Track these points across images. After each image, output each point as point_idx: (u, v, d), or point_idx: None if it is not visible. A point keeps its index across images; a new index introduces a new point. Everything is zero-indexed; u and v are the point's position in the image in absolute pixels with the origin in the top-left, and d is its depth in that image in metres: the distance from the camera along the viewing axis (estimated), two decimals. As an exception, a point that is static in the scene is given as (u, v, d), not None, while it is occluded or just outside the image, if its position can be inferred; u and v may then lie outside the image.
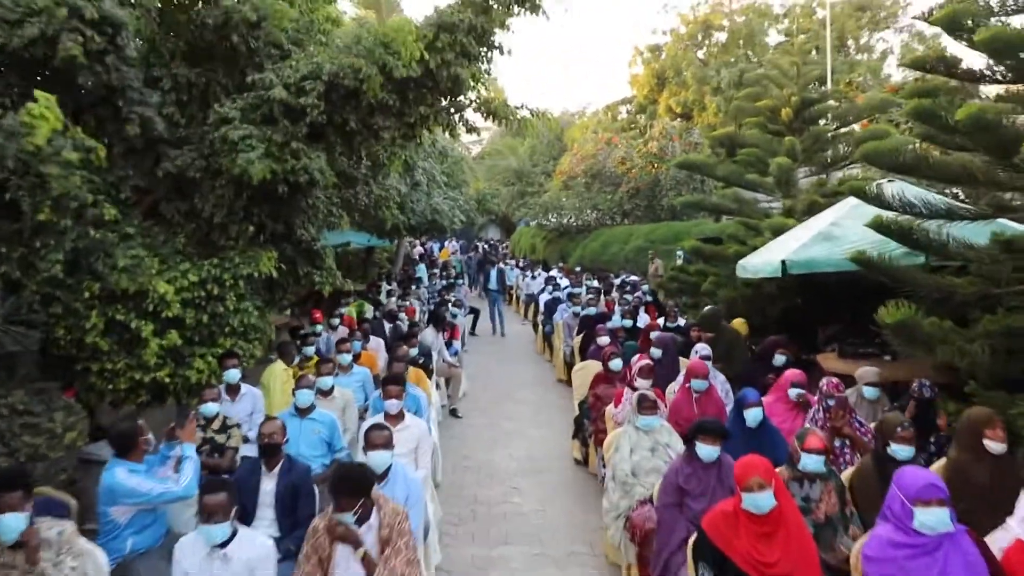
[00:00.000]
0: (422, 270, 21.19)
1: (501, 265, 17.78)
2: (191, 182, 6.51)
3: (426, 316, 12.19)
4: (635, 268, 18.63)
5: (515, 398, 10.65)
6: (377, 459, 4.25)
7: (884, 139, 9.52)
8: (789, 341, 7.60)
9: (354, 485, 3.42)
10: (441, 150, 15.89)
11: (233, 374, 6.20)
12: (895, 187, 6.93)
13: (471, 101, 6.46)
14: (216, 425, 5.54)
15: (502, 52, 6.43)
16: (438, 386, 9.62)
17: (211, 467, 5.38)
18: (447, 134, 7.00)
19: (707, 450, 4.29)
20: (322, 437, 5.56)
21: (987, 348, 5.41)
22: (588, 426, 7.23)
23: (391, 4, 18.50)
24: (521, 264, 23.58)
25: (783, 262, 7.63)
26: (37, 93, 4.92)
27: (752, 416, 5.04)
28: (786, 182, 10.86)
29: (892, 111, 13.29)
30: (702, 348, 6.97)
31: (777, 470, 4.54)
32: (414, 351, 8.25)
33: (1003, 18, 5.76)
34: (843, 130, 11.49)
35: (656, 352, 7.53)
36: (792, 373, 6.02)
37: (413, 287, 16.25)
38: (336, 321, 10.71)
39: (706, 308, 9.73)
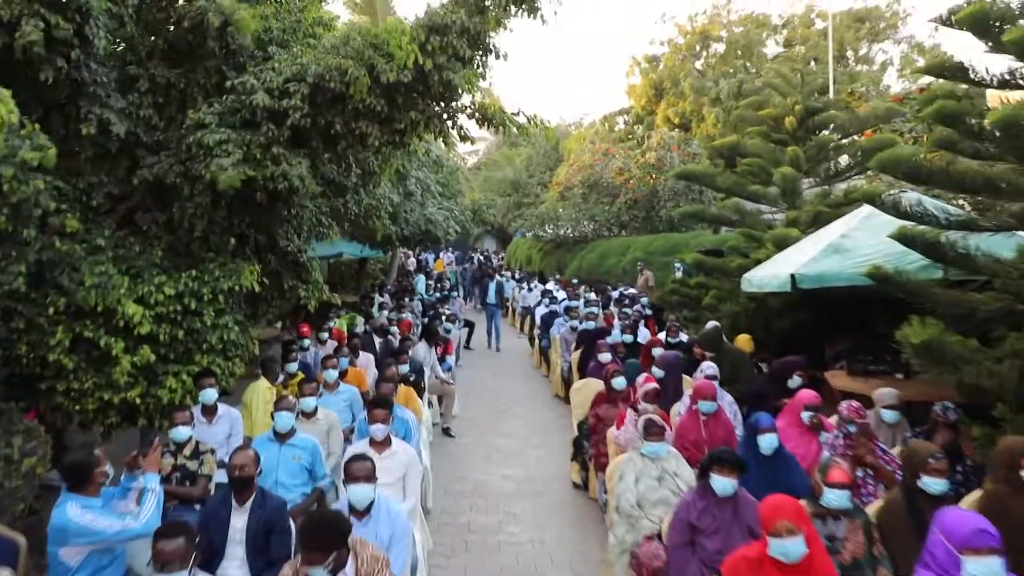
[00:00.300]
0: (421, 281, 20.78)
1: (499, 278, 17.40)
2: (169, 190, 6.14)
3: (420, 329, 11.79)
4: (633, 280, 18.25)
5: (511, 415, 10.25)
6: (358, 494, 3.87)
7: (893, 148, 9.23)
8: (806, 362, 7.21)
9: (325, 538, 3.01)
10: (436, 159, 15.54)
11: (209, 394, 5.80)
12: (911, 197, 6.60)
13: (464, 107, 6.09)
14: (188, 451, 5.14)
15: (497, 56, 6.08)
16: (430, 404, 9.23)
17: (182, 496, 5.01)
18: (440, 142, 6.63)
19: (723, 483, 3.90)
20: (303, 464, 5.17)
21: (1016, 369, 5.04)
22: (588, 448, 6.84)
23: (385, 8, 18.20)
24: (517, 276, 23.22)
25: (792, 276, 7.27)
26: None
27: (767, 443, 4.67)
28: (791, 193, 10.52)
29: (895, 121, 13.04)
30: (708, 367, 6.59)
31: (796, 504, 4.19)
32: (405, 368, 7.86)
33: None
34: (847, 140, 11.15)
35: (659, 371, 7.17)
36: (805, 394, 5.65)
37: (407, 299, 15.83)
38: (325, 335, 10.31)
39: (707, 325, 9.35)
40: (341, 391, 6.98)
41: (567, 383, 10.62)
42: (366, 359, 8.79)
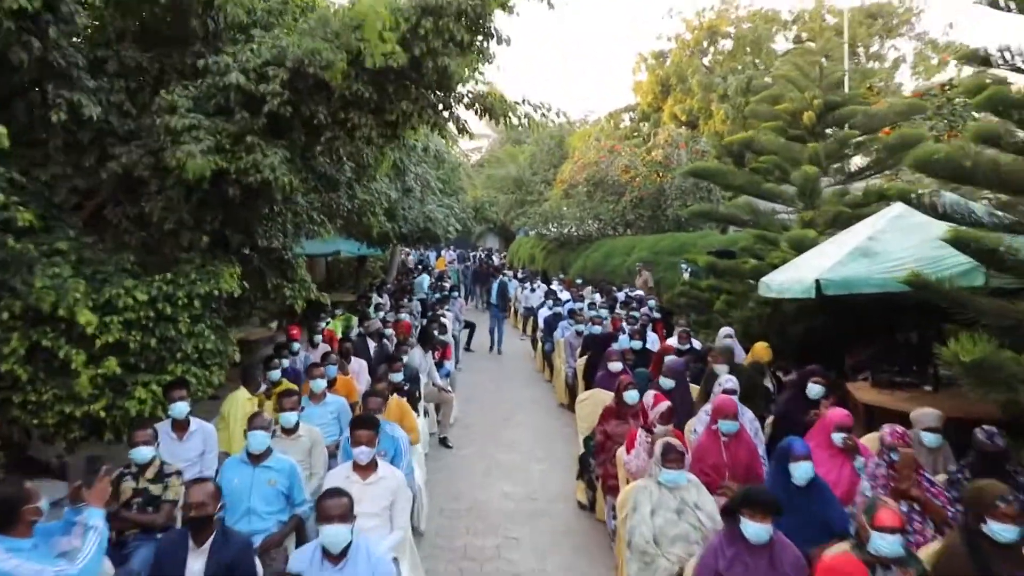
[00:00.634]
0: (424, 281, 20.21)
1: (503, 278, 16.81)
2: (140, 182, 5.62)
3: (418, 332, 11.25)
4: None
5: (512, 424, 9.72)
6: (333, 535, 3.34)
7: (928, 144, 8.71)
8: (825, 372, 6.66)
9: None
10: (436, 155, 14.99)
11: (179, 408, 5.26)
12: (949, 197, 6.06)
13: (462, 96, 5.53)
14: (150, 473, 4.62)
15: (500, 40, 5.53)
16: (426, 412, 8.70)
17: (143, 524, 4.50)
18: (437, 135, 6.09)
19: (756, 529, 3.37)
20: (279, 489, 4.64)
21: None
22: (595, 467, 6.31)
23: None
24: (520, 275, 22.67)
25: (817, 282, 6.73)
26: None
27: (801, 472, 4.14)
28: (811, 192, 9.97)
29: (914, 119, 12.48)
30: (727, 380, 6.04)
31: (834, 548, 3.66)
32: (398, 376, 7.33)
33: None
34: (868, 136, 10.58)
35: (668, 382, 6.63)
36: (836, 414, 5.11)
37: (406, 299, 15.25)
38: (318, 338, 9.78)
39: (720, 332, 8.82)
40: (328, 402, 6.45)
41: (571, 390, 10.10)
42: (358, 365, 8.25)
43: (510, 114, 5.40)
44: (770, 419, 6.44)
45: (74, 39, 5.55)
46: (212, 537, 3.49)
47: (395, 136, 5.74)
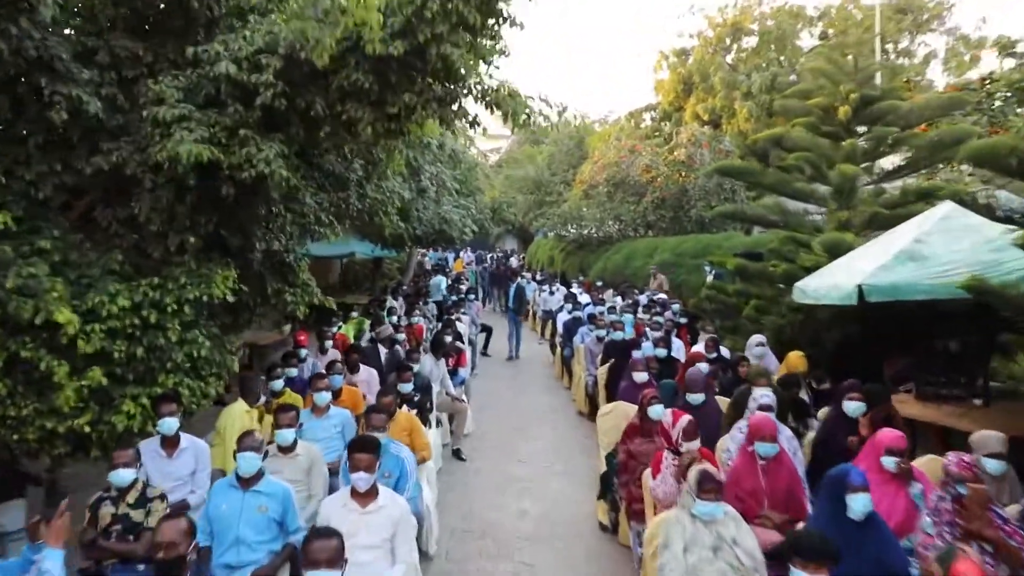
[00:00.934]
0: (440, 282, 19.74)
1: (521, 281, 16.28)
2: (130, 181, 5.23)
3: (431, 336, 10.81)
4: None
5: (529, 436, 9.25)
6: (320, 583, 2.90)
7: (987, 139, 8.15)
8: (871, 384, 6.12)
9: None
10: (452, 154, 14.55)
11: (169, 424, 4.87)
12: (1008, 196, 5.53)
13: (471, 89, 5.05)
14: (132, 497, 4.23)
15: (513, 23, 5.05)
16: (439, 422, 8.27)
17: (121, 554, 4.10)
18: (451, 132, 5.63)
19: (810, 583, 2.89)
20: (271, 516, 4.22)
21: None
22: (617, 487, 5.83)
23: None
24: (538, 278, 22.19)
25: (860, 287, 6.21)
26: None
27: (860, 506, 3.66)
28: (848, 192, 9.41)
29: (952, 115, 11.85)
30: (763, 396, 5.52)
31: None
32: (408, 387, 6.90)
33: None
34: (908, 133, 9.98)
35: (697, 397, 6.13)
36: (887, 436, 4.58)
37: (422, 302, 14.79)
38: (328, 343, 9.38)
39: (751, 341, 8.29)
40: (331, 415, 6.03)
41: (591, 399, 9.63)
42: (368, 374, 7.82)
43: (521, 112, 4.90)
44: (808, 437, 5.93)
45: (61, 29, 5.18)
46: (184, 581, 3.07)
47: (400, 131, 5.28)
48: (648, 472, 5.06)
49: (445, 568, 5.63)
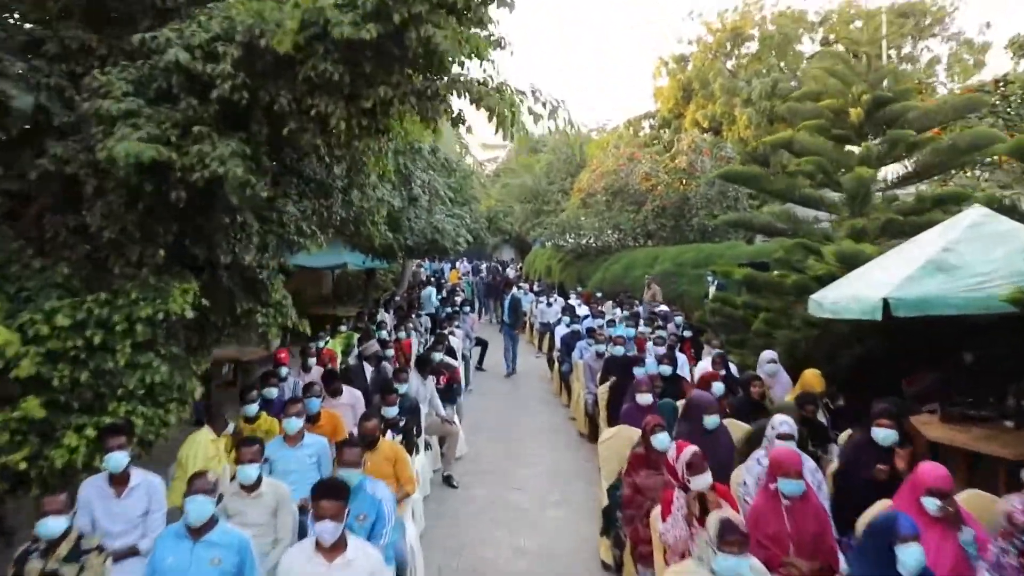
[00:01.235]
0: (431, 294, 19.15)
1: (516, 292, 15.71)
2: (79, 185, 4.69)
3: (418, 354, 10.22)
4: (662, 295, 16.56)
5: (526, 459, 8.68)
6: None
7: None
8: (894, 410, 5.55)
9: None
10: (445, 162, 14.02)
11: (117, 459, 4.30)
12: None
13: (453, 82, 4.48)
14: (64, 549, 3.66)
15: (501, 3, 4.50)
16: (428, 446, 7.71)
17: (50, 619, 3.53)
18: (431, 130, 5.07)
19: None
20: (225, 570, 3.65)
21: None
22: (622, 523, 5.26)
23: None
24: (535, 288, 21.63)
25: (885, 301, 5.67)
26: None
27: (913, 560, 3.16)
28: (862, 198, 8.89)
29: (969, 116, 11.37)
30: (782, 423, 4.96)
31: None
32: (392, 411, 6.35)
33: None
34: (925, 136, 9.46)
35: (712, 420, 5.57)
36: (928, 473, 4.00)
37: (414, 315, 14.21)
38: (311, 361, 8.81)
39: (762, 358, 7.76)
40: (305, 444, 5.45)
41: (591, 419, 9.07)
42: (352, 396, 7.24)
43: (506, 109, 4.33)
44: (831, 467, 5.37)
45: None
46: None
47: (378, 129, 4.74)
48: (657, 512, 4.50)
49: (430, 615, 5.07)
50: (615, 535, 5.57)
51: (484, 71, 4.79)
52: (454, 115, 4.72)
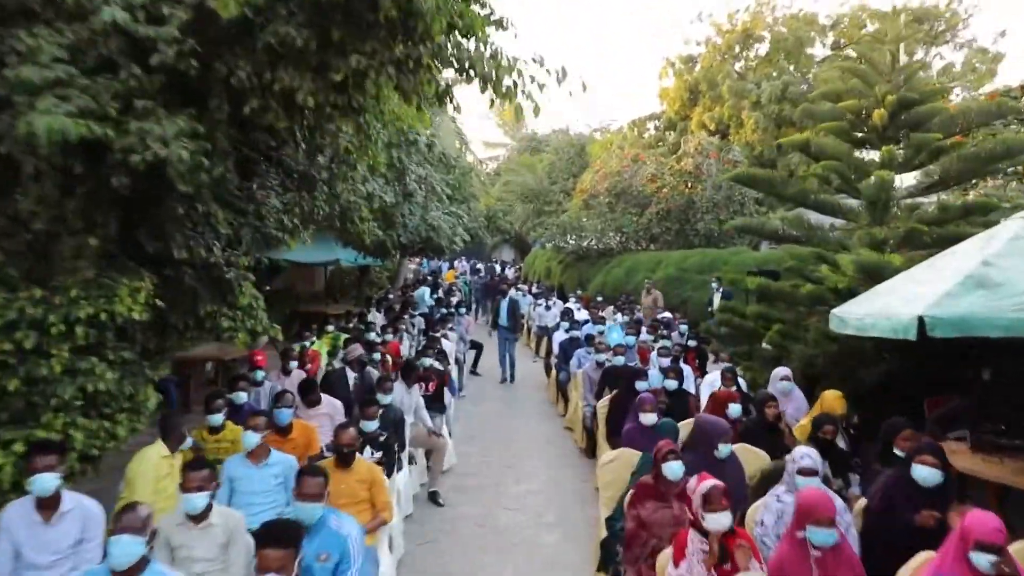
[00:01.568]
0: (424, 293, 18.51)
1: (513, 294, 15.16)
2: (13, 167, 4.11)
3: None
4: (665, 301, 15.98)
5: (519, 474, 8.10)
6: None
7: None
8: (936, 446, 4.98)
9: None
10: (442, 156, 13.42)
11: (44, 482, 3.72)
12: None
13: (438, 50, 3.88)
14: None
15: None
16: (412, 460, 7.14)
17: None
18: (417, 109, 4.48)
19: None
20: (155, 622, 3.09)
21: None
22: (623, 562, 4.69)
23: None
24: (534, 291, 21.04)
25: (920, 319, 5.10)
26: None
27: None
28: (883, 204, 8.33)
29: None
30: (804, 456, 4.38)
31: None
32: (372, 425, 5.77)
33: None
34: (953, 141, 8.88)
35: (725, 449, 5.02)
36: (980, 524, 3.39)
37: (407, 315, 13.54)
38: (293, 364, 8.22)
39: (774, 374, 7.21)
40: (271, 463, 4.88)
41: (590, 433, 8.50)
42: (331, 406, 6.66)
43: (503, 76, 3.74)
44: (859, 504, 4.79)
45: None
46: None
47: (352, 108, 4.16)
48: (667, 553, 3.94)
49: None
50: (615, 571, 5.00)
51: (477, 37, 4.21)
52: (440, 88, 4.13)
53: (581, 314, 14.12)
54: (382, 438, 5.85)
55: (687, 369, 8.87)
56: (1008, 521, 4.55)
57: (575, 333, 11.24)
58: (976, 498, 5.72)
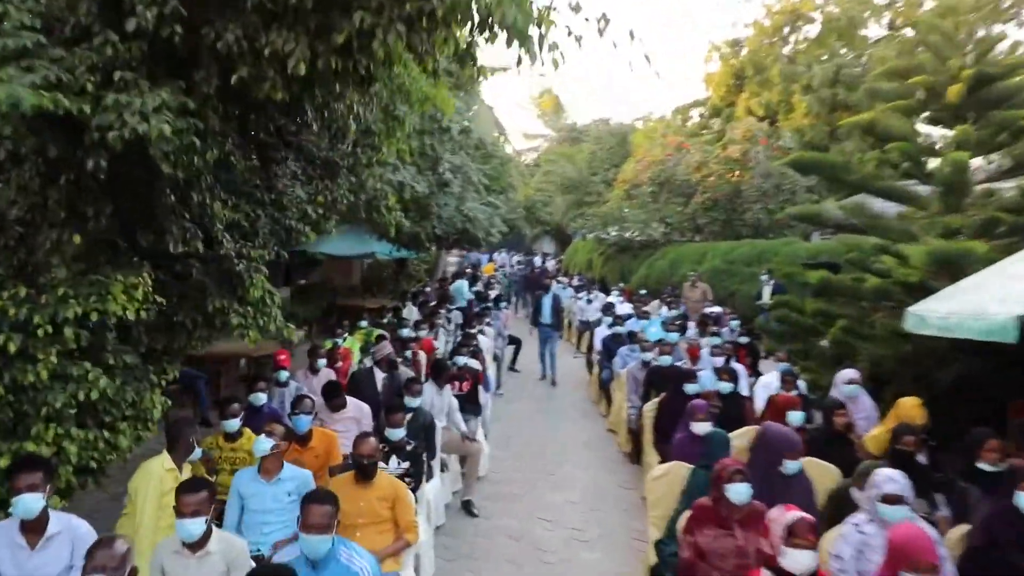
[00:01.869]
0: (462, 287, 17.97)
1: (556, 289, 14.42)
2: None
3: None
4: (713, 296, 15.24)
5: (558, 481, 7.59)
6: None
7: None
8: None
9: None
10: (478, 143, 12.89)
11: (27, 503, 3.33)
12: None
13: (457, 4, 3.32)
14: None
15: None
16: (444, 467, 6.68)
17: None
18: (431, 75, 3.95)
19: None
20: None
21: None
22: (676, 594, 4.14)
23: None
24: (575, 283, 20.42)
25: (1022, 320, 4.42)
26: None
27: None
28: (958, 190, 7.57)
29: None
30: (888, 480, 3.75)
31: None
32: (398, 433, 5.30)
33: None
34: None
35: (794, 466, 4.44)
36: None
37: (443, 310, 13.03)
38: (321, 362, 7.81)
39: (839, 377, 6.53)
40: (284, 478, 4.44)
41: (635, 437, 7.93)
42: (357, 410, 6.20)
43: (526, 25, 3.17)
44: (953, 533, 4.15)
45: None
46: None
47: (360, 75, 3.61)
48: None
49: None
50: (666, 604, 4.46)
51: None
52: (459, 48, 3.60)
53: (624, 308, 13.50)
54: (409, 447, 5.37)
55: (740, 368, 8.22)
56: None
57: (618, 329, 10.66)
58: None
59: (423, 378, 7.37)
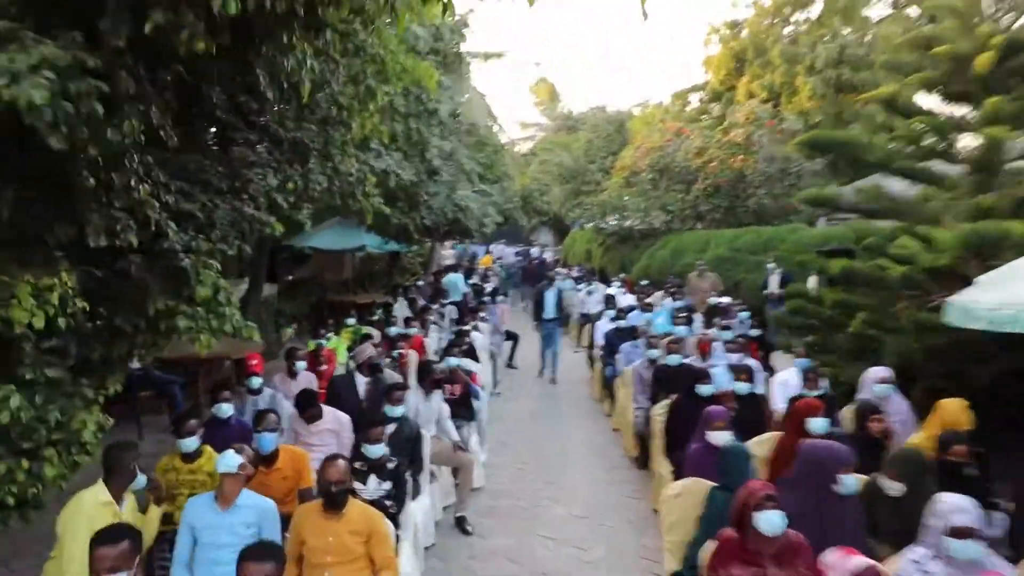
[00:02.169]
0: (457, 281, 17.23)
1: (560, 283, 13.63)
2: None
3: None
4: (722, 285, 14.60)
5: (559, 492, 6.97)
6: None
7: None
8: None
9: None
10: (470, 128, 12.21)
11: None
12: None
13: None
14: None
15: None
16: (433, 477, 6.07)
17: None
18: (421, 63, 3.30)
19: None
20: None
21: None
22: (699, 640, 3.53)
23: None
24: (574, 274, 19.79)
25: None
26: None
27: None
28: (990, 167, 6.95)
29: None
30: (957, 512, 3.11)
31: None
32: (378, 450, 4.67)
33: None
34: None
35: (850, 480, 3.80)
36: None
37: (435, 306, 12.38)
38: (301, 364, 7.20)
39: (868, 375, 5.92)
40: (240, 506, 3.80)
41: (642, 440, 7.32)
42: (335, 420, 5.57)
43: None
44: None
45: None
46: None
47: (303, 22, 2.95)
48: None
49: None
50: (686, 647, 3.85)
51: None
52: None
53: (625, 299, 12.87)
54: (391, 465, 4.74)
55: (755, 364, 7.59)
56: None
57: (622, 323, 10.03)
58: None
59: (412, 381, 6.74)
